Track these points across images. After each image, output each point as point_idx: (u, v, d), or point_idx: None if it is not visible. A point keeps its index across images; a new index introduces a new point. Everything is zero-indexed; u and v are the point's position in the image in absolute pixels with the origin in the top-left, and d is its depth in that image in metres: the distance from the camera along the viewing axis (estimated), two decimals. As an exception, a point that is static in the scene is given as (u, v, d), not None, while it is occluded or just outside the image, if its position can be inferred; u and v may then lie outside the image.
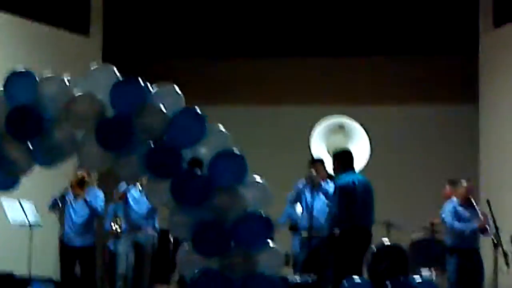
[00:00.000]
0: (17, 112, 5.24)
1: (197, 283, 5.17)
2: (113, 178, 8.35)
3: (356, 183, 8.21)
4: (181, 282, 8.89)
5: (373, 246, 6.31)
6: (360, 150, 9.53)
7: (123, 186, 8.94)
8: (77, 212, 8.82)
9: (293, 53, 12.40)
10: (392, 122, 12.49)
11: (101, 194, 8.94)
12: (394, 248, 5.42)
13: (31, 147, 5.34)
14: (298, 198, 8.92)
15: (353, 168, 8.33)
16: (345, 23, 12.10)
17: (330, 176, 9.12)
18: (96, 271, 9.51)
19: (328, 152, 9.64)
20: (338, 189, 8.27)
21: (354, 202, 8.10)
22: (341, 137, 9.70)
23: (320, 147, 9.80)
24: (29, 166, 5.42)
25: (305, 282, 6.99)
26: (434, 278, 8.43)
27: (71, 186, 8.64)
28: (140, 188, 8.88)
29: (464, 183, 9.02)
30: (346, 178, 8.16)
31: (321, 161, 9.00)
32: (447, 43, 12.02)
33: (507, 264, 8.44)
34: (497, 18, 11.55)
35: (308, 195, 8.68)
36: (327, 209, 8.49)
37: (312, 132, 9.63)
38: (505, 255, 8.46)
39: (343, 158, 8.37)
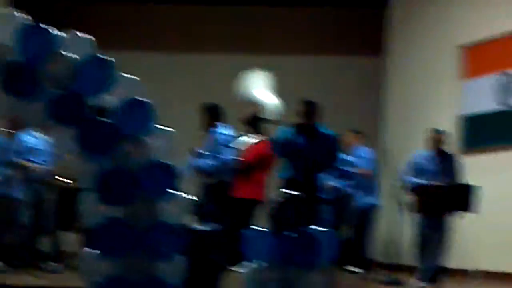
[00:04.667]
0: None
1: (101, 231, 5.25)
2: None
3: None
4: (85, 231, 9.01)
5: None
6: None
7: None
8: None
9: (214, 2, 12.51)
10: (301, 72, 12.74)
11: None
12: (297, 198, 5.60)
13: None
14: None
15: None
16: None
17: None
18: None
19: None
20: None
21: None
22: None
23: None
24: None
25: (208, 230, 7.16)
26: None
27: None
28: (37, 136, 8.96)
29: None
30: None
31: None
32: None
33: (406, 213, 8.86)
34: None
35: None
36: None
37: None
38: (402, 204, 8.88)
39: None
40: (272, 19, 12.97)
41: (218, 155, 8.99)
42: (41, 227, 9.21)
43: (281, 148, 8.59)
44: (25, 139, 9.37)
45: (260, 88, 10.07)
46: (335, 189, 9.24)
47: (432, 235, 9.05)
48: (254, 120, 9.51)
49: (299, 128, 8.53)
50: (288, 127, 8.61)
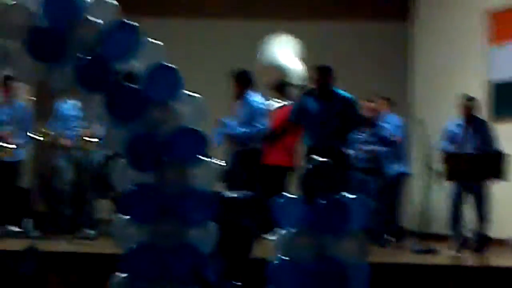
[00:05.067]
0: None
1: (131, 197, 5.24)
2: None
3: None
4: (117, 198, 9.02)
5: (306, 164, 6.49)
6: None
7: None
8: None
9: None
10: (323, 38, 12.59)
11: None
12: (327, 166, 5.55)
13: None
14: None
15: None
16: None
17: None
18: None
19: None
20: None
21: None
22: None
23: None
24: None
25: (239, 197, 7.13)
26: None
27: None
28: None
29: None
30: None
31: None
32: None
33: (439, 182, 8.79)
34: None
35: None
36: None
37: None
38: (437, 172, 8.80)
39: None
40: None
41: (252, 123, 8.92)
42: (78, 194, 9.24)
43: (295, 115, 8.54)
44: (60, 107, 9.40)
45: (285, 53, 10.02)
46: (372, 154, 9.14)
47: (465, 203, 8.99)
48: (281, 86, 9.45)
49: (315, 94, 8.47)
50: (306, 94, 8.57)
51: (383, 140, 9.26)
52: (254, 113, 8.96)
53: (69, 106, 9.31)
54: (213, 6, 12.65)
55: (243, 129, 8.90)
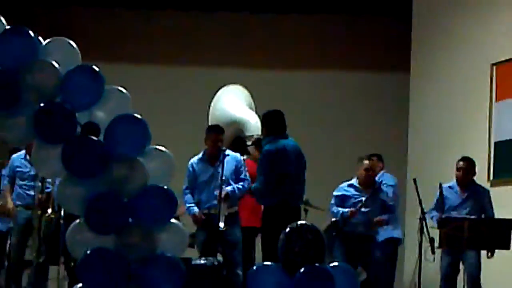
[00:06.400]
0: None
1: (88, 264, 5.14)
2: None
3: (288, 149, 8.29)
4: (69, 263, 8.89)
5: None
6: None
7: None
8: None
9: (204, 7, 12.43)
10: (314, 88, 12.64)
11: None
12: (309, 229, 5.44)
13: None
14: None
15: (284, 132, 8.41)
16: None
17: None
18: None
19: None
20: (264, 155, 8.35)
21: (283, 173, 8.20)
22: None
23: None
24: None
25: (210, 264, 7.07)
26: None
27: None
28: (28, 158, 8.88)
29: (365, 161, 9.21)
30: (275, 144, 8.27)
31: (212, 129, 9.09)
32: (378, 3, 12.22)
33: (432, 250, 8.69)
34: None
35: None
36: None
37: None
38: (431, 240, 8.69)
39: (271, 119, 8.44)
40: (281, 28, 12.87)
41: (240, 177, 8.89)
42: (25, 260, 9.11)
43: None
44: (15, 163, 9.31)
45: (238, 104, 10.09)
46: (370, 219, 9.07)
47: (458, 272, 8.93)
48: (238, 140, 9.45)
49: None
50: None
51: (382, 205, 9.16)
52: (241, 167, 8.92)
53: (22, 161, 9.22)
54: (184, 50, 12.69)
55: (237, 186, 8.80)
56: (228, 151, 8.94)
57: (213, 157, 8.92)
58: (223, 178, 8.61)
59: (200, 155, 9.05)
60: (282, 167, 8.22)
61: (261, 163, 8.44)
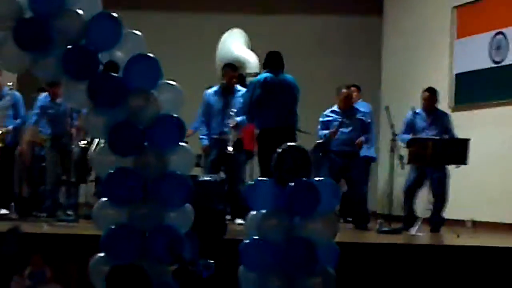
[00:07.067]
0: None
1: (112, 180, 5.29)
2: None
3: (268, 80, 8.44)
4: (97, 181, 9.07)
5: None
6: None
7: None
8: None
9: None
10: (298, 31, 12.76)
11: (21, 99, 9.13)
12: (297, 149, 5.59)
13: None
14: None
15: (277, 68, 8.54)
16: None
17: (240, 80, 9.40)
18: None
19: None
20: (249, 84, 8.56)
21: (263, 99, 8.36)
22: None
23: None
24: None
25: (214, 180, 7.21)
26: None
27: None
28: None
29: (344, 89, 9.36)
30: (262, 75, 8.44)
31: (229, 66, 9.22)
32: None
33: (402, 166, 8.90)
34: None
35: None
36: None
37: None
38: (400, 157, 8.91)
39: (268, 57, 8.56)
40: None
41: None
42: (59, 178, 9.26)
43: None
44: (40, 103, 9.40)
45: (238, 46, 10.17)
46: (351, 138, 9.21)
47: (420, 187, 9.12)
48: (241, 78, 9.57)
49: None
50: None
51: (362, 124, 9.31)
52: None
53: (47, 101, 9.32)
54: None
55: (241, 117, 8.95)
56: (238, 87, 9.11)
57: (227, 90, 9.08)
58: (235, 109, 8.81)
59: (215, 88, 9.18)
60: (259, 95, 8.42)
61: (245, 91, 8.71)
